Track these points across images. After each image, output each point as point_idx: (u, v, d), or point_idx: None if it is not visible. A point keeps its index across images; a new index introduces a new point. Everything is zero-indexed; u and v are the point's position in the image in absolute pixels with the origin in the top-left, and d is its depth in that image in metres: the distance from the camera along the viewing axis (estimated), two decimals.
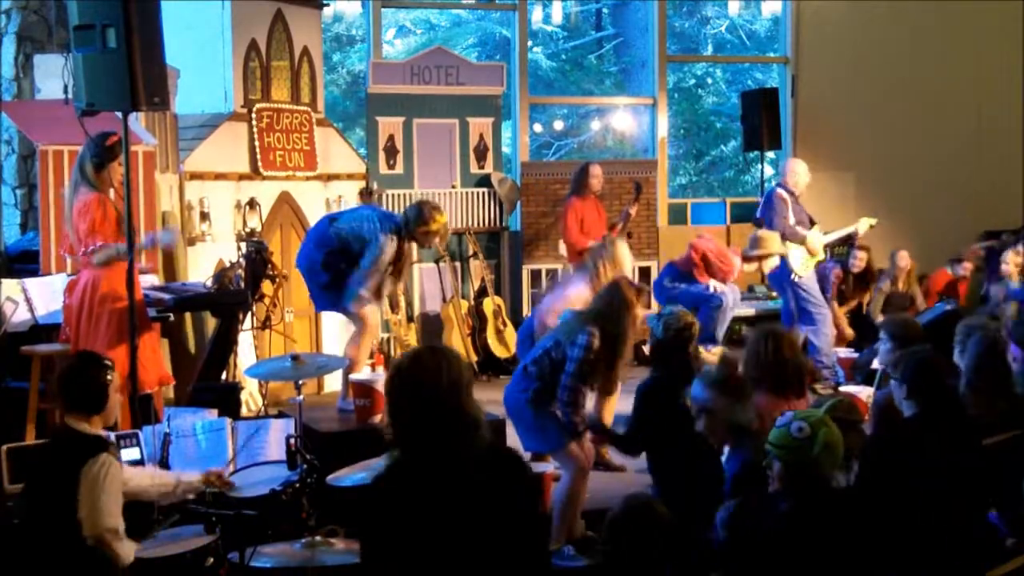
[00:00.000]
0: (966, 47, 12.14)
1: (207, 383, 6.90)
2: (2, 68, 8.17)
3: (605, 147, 14.47)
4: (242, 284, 7.31)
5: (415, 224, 6.35)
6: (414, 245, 6.80)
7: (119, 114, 5.43)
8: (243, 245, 7.70)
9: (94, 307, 5.85)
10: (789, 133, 11.82)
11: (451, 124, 10.21)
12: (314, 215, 8.17)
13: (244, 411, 7.34)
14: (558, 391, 5.19)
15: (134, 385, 5.43)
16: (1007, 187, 12.03)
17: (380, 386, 5.98)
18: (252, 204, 8.20)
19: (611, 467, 6.56)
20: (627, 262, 6.52)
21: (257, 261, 7.57)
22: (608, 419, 6.66)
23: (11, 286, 6.66)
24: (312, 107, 8.76)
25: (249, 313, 7.56)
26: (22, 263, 7.32)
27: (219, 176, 8.08)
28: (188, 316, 7.46)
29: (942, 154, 12.07)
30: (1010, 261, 9.17)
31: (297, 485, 4.38)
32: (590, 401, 6.08)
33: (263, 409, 7.62)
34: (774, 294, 9.65)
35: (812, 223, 8.52)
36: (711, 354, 7.55)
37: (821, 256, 8.60)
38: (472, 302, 9.99)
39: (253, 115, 8.24)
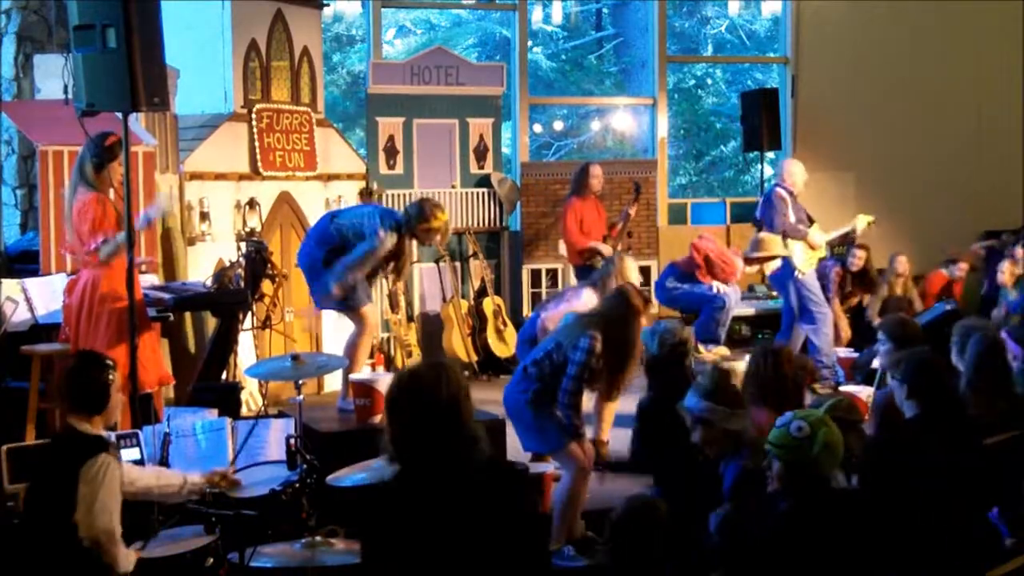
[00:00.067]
0: (966, 47, 12.14)
1: (207, 383, 6.90)
2: (2, 68, 8.17)
3: (605, 147, 14.48)
4: (242, 284, 7.32)
5: (416, 221, 6.35)
6: (414, 244, 6.80)
7: (119, 114, 5.43)
8: (243, 245, 7.70)
9: (94, 307, 5.85)
10: (789, 133, 11.82)
11: (451, 124, 10.21)
12: (314, 215, 8.17)
13: (244, 411, 7.34)
14: (559, 394, 5.19)
15: (134, 385, 5.43)
16: (1007, 187, 12.02)
17: (380, 386, 5.98)
18: (252, 204, 8.20)
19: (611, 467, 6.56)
20: (633, 277, 6.54)
21: (257, 261, 7.57)
22: (608, 420, 6.68)
23: (11, 286, 6.66)
24: (312, 107, 8.76)
25: (249, 313, 7.56)
26: (22, 263, 7.31)
27: (219, 176, 8.08)
28: (188, 316, 7.46)
29: (942, 154, 12.07)
30: (1006, 270, 9.20)
31: (297, 485, 4.38)
32: (590, 402, 6.09)
33: (263, 409, 7.62)
34: (774, 294, 9.66)
35: (811, 221, 8.53)
36: (712, 354, 7.58)
37: (823, 252, 8.60)
38: (472, 302, 9.99)
39: (253, 115, 8.24)
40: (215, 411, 5.48)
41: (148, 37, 5.27)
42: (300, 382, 4.87)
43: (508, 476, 3.22)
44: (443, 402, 3.09)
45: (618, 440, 6.71)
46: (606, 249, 8.92)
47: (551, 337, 5.48)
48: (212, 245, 7.93)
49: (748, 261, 8.11)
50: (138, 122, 7.19)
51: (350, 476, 4.29)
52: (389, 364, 9.43)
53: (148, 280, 6.84)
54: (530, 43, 12.53)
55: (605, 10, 15.12)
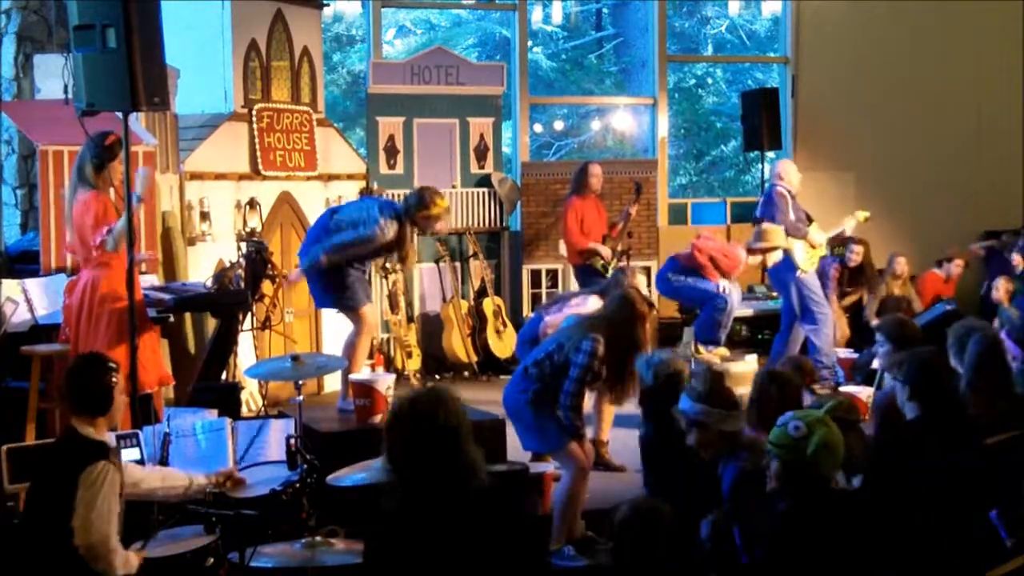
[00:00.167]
0: (966, 47, 12.14)
1: (207, 383, 6.90)
2: (2, 68, 8.17)
3: (605, 147, 14.47)
4: (242, 284, 7.31)
5: (416, 209, 6.36)
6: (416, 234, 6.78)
7: (119, 114, 5.43)
8: (243, 245, 7.70)
9: (94, 307, 5.85)
10: (789, 133, 11.82)
11: (451, 124, 10.22)
12: (314, 215, 8.15)
13: (244, 411, 7.34)
14: (560, 396, 5.18)
15: (134, 385, 5.42)
16: (1007, 187, 12.03)
17: (380, 386, 5.99)
18: (252, 204, 8.20)
19: (611, 467, 6.56)
20: (641, 289, 6.55)
21: (257, 261, 7.57)
22: (608, 420, 6.68)
23: (11, 286, 6.66)
24: (312, 107, 8.76)
25: (249, 313, 7.56)
26: (22, 263, 7.31)
27: (219, 176, 8.08)
28: (188, 316, 7.46)
29: (942, 154, 12.07)
30: (1001, 288, 9.22)
31: (297, 485, 4.38)
32: (589, 402, 6.09)
33: (263, 409, 7.62)
34: (774, 294, 9.66)
35: (810, 221, 8.53)
36: (712, 355, 7.58)
37: (823, 251, 8.61)
38: (472, 302, 9.99)
39: (253, 115, 8.24)
40: (215, 411, 5.48)
41: (148, 37, 5.26)
42: (300, 382, 4.87)
43: (506, 503, 3.23)
44: (441, 431, 3.10)
45: (618, 440, 6.71)
46: (605, 251, 8.92)
47: (552, 338, 5.47)
48: (212, 245, 7.93)
49: (751, 251, 8.10)
50: (138, 122, 7.18)
51: (350, 476, 4.29)
52: (389, 364, 9.44)
53: (148, 280, 6.84)
54: (530, 43, 12.53)
55: (605, 10, 15.12)
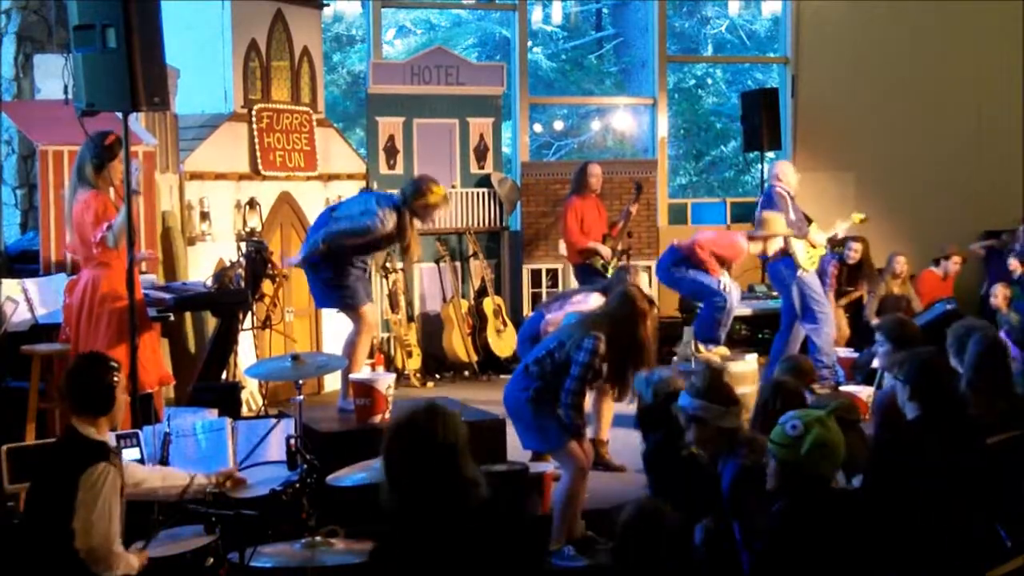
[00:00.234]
0: (966, 47, 12.14)
1: (207, 383, 6.90)
2: (2, 68, 8.17)
3: (605, 147, 14.48)
4: (242, 284, 7.31)
5: (413, 198, 6.36)
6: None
7: (119, 114, 5.43)
8: (243, 245, 7.70)
9: (94, 307, 5.85)
10: (789, 133, 11.82)
11: (451, 124, 10.22)
12: (314, 215, 8.14)
13: (244, 411, 7.34)
14: (561, 394, 5.18)
15: (134, 385, 5.42)
16: (1007, 187, 12.01)
17: (380, 386, 5.99)
18: (252, 204, 8.20)
19: (611, 467, 6.56)
20: (643, 287, 6.55)
21: (257, 261, 7.57)
22: (607, 419, 6.68)
23: (11, 286, 6.66)
24: (312, 107, 8.76)
25: (249, 313, 7.56)
26: (22, 263, 7.31)
27: (219, 176, 8.08)
28: (188, 316, 7.46)
29: (942, 154, 12.07)
30: (999, 294, 9.23)
31: (297, 485, 4.38)
32: (588, 402, 6.09)
33: (263, 409, 7.62)
34: (774, 294, 9.66)
35: (808, 221, 8.54)
36: (713, 354, 7.58)
37: (823, 250, 8.61)
38: (472, 302, 9.99)
39: (253, 115, 8.24)
40: (215, 411, 5.48)
41: (148, 37, 5.26)
42: (300, 382, 4.87)
43: (506, 519, 3.24)
44: (440, 448, 3.10)
45: (618, 440, 6.71)
46: (605, 250, 8.93)
47: (553, 335, 5.47)
48: (212, 245, 7.93)
49: (752, 239, 8.09)
50: (138, 122, 7.18)
51: (350, 476, 4.29)
52: (389, 364, 9.44)
53: (148, 280, 6.84)
54: (530, 43, 12.53)
55: (605, 10, 15.12)
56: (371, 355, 8.54)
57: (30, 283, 6.64)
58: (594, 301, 6.49)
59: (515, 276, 10.42)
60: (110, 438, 4.25)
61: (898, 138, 12.03)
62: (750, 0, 13.95)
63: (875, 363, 6.28)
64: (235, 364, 7.34)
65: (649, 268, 10.14)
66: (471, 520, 3.10)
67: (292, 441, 4.51)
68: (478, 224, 10.26)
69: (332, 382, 8.26)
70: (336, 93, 14.27)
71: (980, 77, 12.15)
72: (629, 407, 6.71)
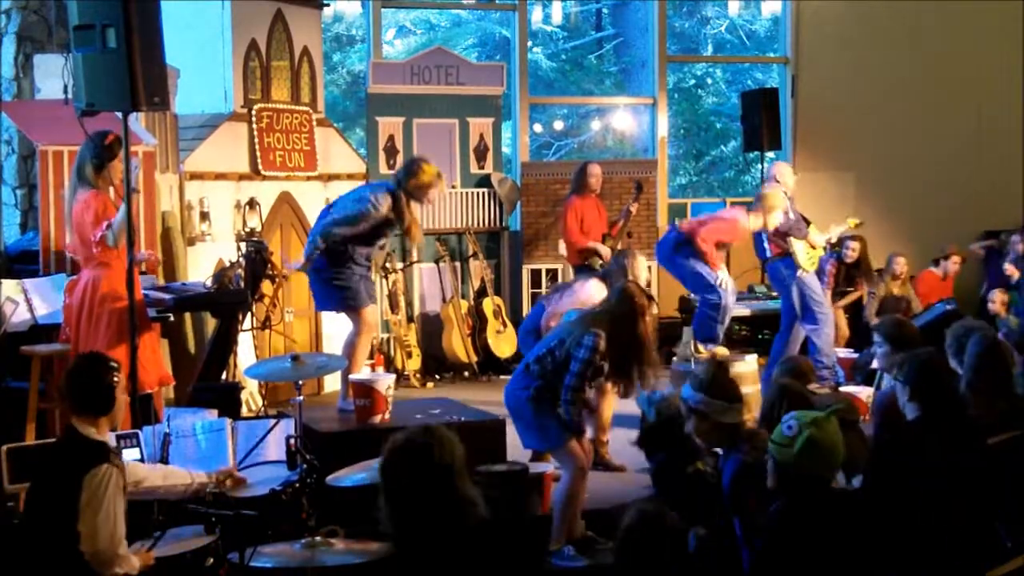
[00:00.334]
0: (966, 47, 12.14)
1: (207, 383, 6.90)
2: (2, 68, 8.17)
3: (605, 147, 14.48)
4: (242, 284, 7.31)
5: (406, 178, 6.38)
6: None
7: (119, 114, 5.43)
8: (243, 245, 7.70)
9: (94, 307, 5.85)
10: (789, 133, 11.82)
11: (451, 124, 10.22)
12: (314, 215, 8.15)
13: (244, 411, 7.34)
14: (562, 391, 5.18)
15: (134, 385, 5.42)
16: (1007, 187, 12.02)
17: (380, 386, 5.99)
18: (252, 204, 8.20)
19: (611, 467, 6.56)
20: (643, 273, 6.56)
21: (257, 261, 7.57)
22: (607, 417, 6.68)
23: (11, 286, 6.66)
24: (312, 107, 8.76)
25: (249, 313, 7.56)
26: (22, 263, 7.31)
27: (219, 176, 8.08)
28: (188, 316, 7.46)
29: (942, 154, 12.07)
30: (997, 300, 9.23)
31: (297, 485, 4.39)
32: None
33: (263, 409, 7.62)
34: (774, 294, 9.66)
35: (807, 222, 8.54)
36: (712, 353, 7.58)
37: (822, 251, 8.61)
38: (472, 302, 9.99)
39: (253, 115, 8.24)
40: (215, 411, 5.49)
41: (148, 37, 5.26)
42: (300, 382, 4.87)
43: (505, 537, 3.24)
44: (437, 469, 3.11)
45: (618, 440, 6.71)
46: (604, 250, 8.92)
47: (553, 333, 5.47)
48: (212, 245, 7.93)
49: (753, 212, 8.09)
50: (138, 122, 7.18)
51: (350, 476, 4.29)
52: (389, 364, 9.44)
53: (148, 280, 6.84)
54: (530, 43, 12.53)
55: (605, 10, 15.12)
56: (371, 356, 8.55)
57: (30, 283, 6.64)
58: (594, 288, 6.51)
59: (515, 276, 10.42)
60: (110, 438, 4.25)
61: (898, 138, 12.03)
62: (750, 0, 13.95)
63: (874, 364, 6.28)
64: (235, 364, 7.34)
65: (648, 269, 10.15)
66: (469, 540, 3.11)
67: (292, 441, 4.52)
68: (478, 224, 10.26)
69: (332, 382, 8.26)
70: (336, 93, 14.27)
71: (980, 77, 12.15)
72: (629, 407, 6.74)
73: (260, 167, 8.28)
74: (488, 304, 9.88)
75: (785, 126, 11.67)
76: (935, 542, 3.97)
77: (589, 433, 5.95)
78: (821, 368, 7.98)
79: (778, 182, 8.50)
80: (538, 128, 14.40)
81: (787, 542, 3.52)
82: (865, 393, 6.92)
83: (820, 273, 8.95)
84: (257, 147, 8.25)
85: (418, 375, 9.45)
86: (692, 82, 15.61)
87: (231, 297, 7.00)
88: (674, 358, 8.30)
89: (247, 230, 8.07)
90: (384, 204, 6.28)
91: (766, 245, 8.44)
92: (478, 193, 10.29)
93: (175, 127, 7.77)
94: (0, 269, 7.28)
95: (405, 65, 10.21)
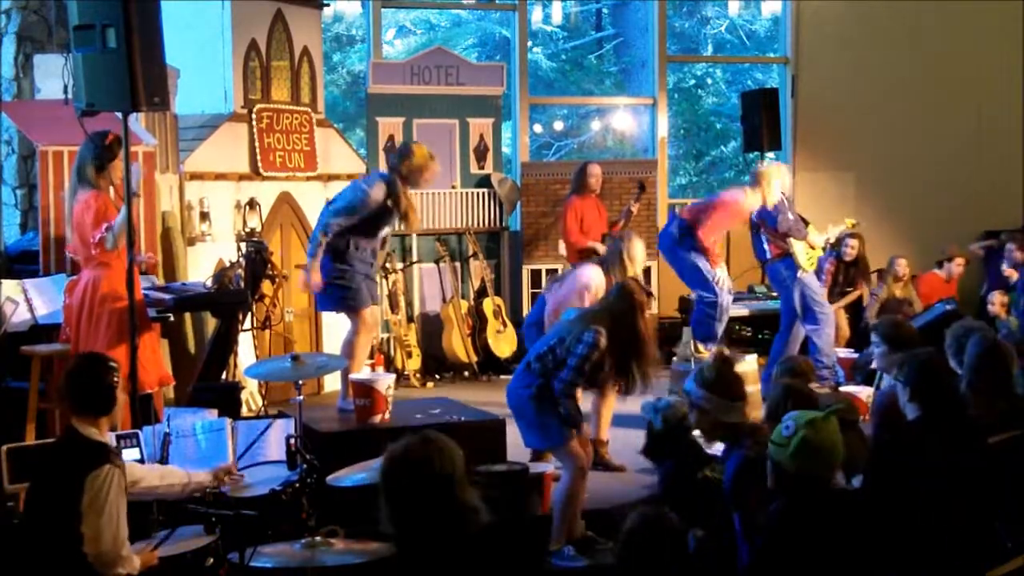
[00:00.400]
0: (966, 47, 12.14)
1: (207, 383, 6.90)
2: (2, 68, 8.17)
3: (605, 147, 14.48)
4: (242, 284, 7.31)
5: (399, 163, 6.44)
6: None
7: (119, 114, 5.43)
8: (243, 245, 7.70)
9: (94, 307, 5.85)
10: (789, 133, 11.82)
11: (451, 124, 10.22)
12: (314, 215, 8.16)
13: (244, 411, 7.34)
14: (555, 384, 5.18)
15: (134, 385, 5.42)
16: (1007, 187, 12.02)
17: (380, 386, 5.99)
18: (252, 204, 8.20)
19: (611, 467, 6.56)
20: (640, 258, 6.59)
21: (257, 261, 7.57)
22: (607, 418, 6.68)
23: (11, 286, 6.66)
24: (312, 107, 8.76)
25: (249, 313, 7.56)
26: (22, 263, 7.31)
27: (219, 176, 8.08)
28: (188, 316, 7.46)
29: (942, 154, 12.07)
30: (996, 301, 9.23)
31: (297, 485, 4.39)
32: (588, 403, 6.10)
33: (263, 409, 7.62)
34: (774, 294, 9.66)
35: (805, 222, 8.55)
36: (719, 350, 7.57)
37: (821, 251, 8.62)
38: (472, 302, 9.99)
39: (253, 115, 8.24)
40: (215, 411, 5.48)
41: (148, 37, 5.26)
42: (300, 382, 4.87)
43: (507, 542, 3.25)
44: (438, 479, 3.11)
45: (618, 440, 6.71)
46: (604, 250, 8.91)
47: (553, 331, 5.48)
48: (212, 245, 7.93)
49: (750, 188, 8.10)
50: (138, 122, 7.18)
51: (350, 476, 4.29)
52: (389, 364, 9.44)
53: (148, 280, 6.84)
54: (530, 43, 12.53)
55: (605, 10, 15.12)
56: (371, 355, 8.54)
57: (30, 283, 6.64)
58: (592, 272, 6.54)
59: (515, 276, 10.42)
60: (110, 438, 4.25)
61: (898, 138, 12.03)
62: (750, 0, 13.95)
63: (874, 364, 6.28)
64: (235, 364, 7.34)
65: (648, 269, 10.16)
66: (471, 545, 3.12)
67: (292, 441, 4.52)
68: (478, 224, 10.26)
69: (332, 382, 8.26)
70: (336, 93, 14.27)
71: (980, 77, 12.15)
72: (629, 407, 6.74)
73: (260, 167, 8.28)
74: (488, 304, 9.88)
75: (785, 126, 11.67)
76: (935, 542, 3.97)
77: (589, 433, 5.95)
78: (821, 368, 7.98)
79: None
80: (538, 128, 14.40)
81: (785, 542, 3.52)
82: (865, 393, 6.92)
83: (818, 272, 8.96)
84: (257, 147, 8.25)
85: (418, 375, 9.45)
86: (692, 82, 15.61)
87: (231, 297, 7.00)
88: (674, 358, 8.31)
89: (247, 230, 8.07)
90: (379, 191, 6.33)
91: (766, 247, 8.45)
92: (478, 193, 10.29)
93: (175, 127, 7.76)
94: (0, 269, 7.27)
95: (405, 65, 10.21)
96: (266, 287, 7.71)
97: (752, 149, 11.45)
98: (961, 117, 12.15)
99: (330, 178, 8.90)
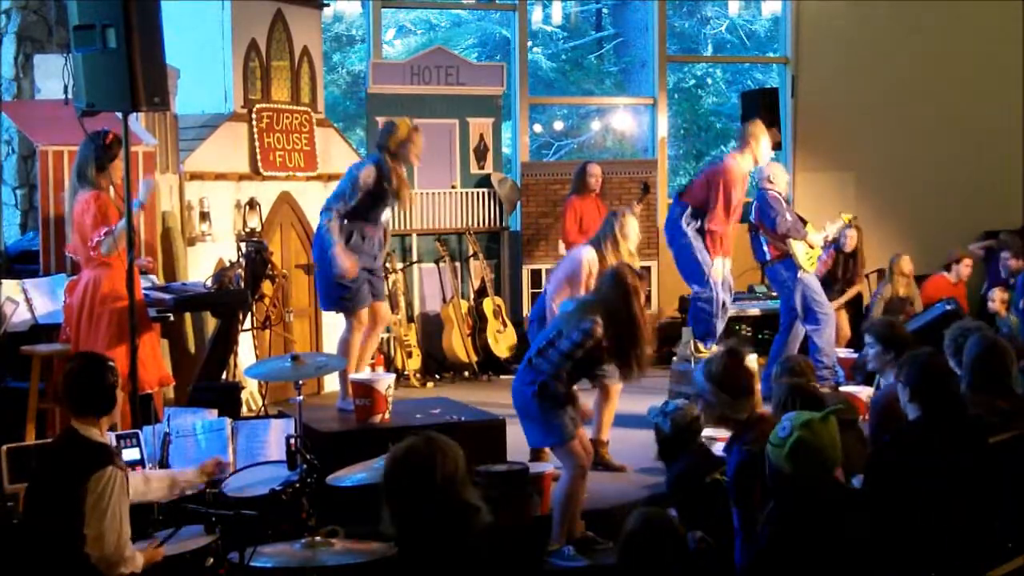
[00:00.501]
0: (966, 47, 12.14)
1: (207, 383, 6.90)
2: (2, 68, 8.17)
3: (605, 147, 14.48)
4: (242, 284, 7.31)
5: (386, 141, 6.59)
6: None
7: (119, 114, 5.43)
8: (243, 245, 7.70)
9: (94, 307, 5.85)
10: (789, 133, 11.81)
11: (451, 124, 10.22)
12: (314, 215, 8.16)
13: (244, 411, 7.34)
14: (544, 364, 5.16)
15: (134, 385, 5.43)
16: (1007, 187, 12.03)
17: (380, 386, 6.00)
18: (252, 204, 8.20)
19: (611, 467, 6.56)
20: (634, 235, 6.61)
21: (257, 261, 7.56)
22: (607, 418, 6.67)
23: (11, 286, 6.66)
24: (312, 107, 8.76)
25: (249, 313, 7.56)
26: (22, 263, 7.31)
27: (219, 176, 8.07)
28: (188, 316, 7.46)
29: (942, 154, 12.07)
30: (996, 299, 9.22)
31: (297, 485, 4.39)
32: (590, 402, 6.09)
33: (263, 409, 7.62)
34: (774, 294, 9.67)
35: (804, 222, 8.55)
36: (711, 352, 7.57)
37: (820, 251, 8.62)
38: (472, 302, 9.99)
39: (253, 115, 8.24)
40: (215, 411, 5.49)
41: (148, 37, 5.26)
42: (300, 382, 4.87)
43: (508, 543, 3.26)
44: (440, 480, 3.11)
45: (618, 440, 6.71)
46: None
47: (551, 325, 5.48)
48: (212, 245, 7.93)
49: (739, 152, 8.13)
50: (138, 122, 7.18)
51: (350, 476, 4.29)
52: (389, 364, 9.44)
53: (148, 280, 6.85)
54: (530, 43, 12.53)
55: (605, 10, 15.13)
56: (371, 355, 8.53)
57: (30, 283, 6.64)
58: (585, 251, 6.56)
59: (515, 276, 10.42)
60: (110, 438, 4.25)
61: (898, 138, 12.03)
62: (750, 0, 13.95)
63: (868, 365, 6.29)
64: (235, 364, 7.34)
65: (648, 269, 10.16)
66: (473, 545, 3.13)
67: (292, 441, 4.52)
68: (478, 224, 10.26)
69: (332, 382, 8.26)
70: (336, 93, 14.27)
71: (980, 77, 12.15)
72: (629, 407, 6.74)
73: (260, 167, 8.28)
74: (488, 304, 9.88)
75: (785, 126, 11.67)
76: (935, 542, 3.97)
77: (589, 433, 5.95)
78: (821, 368, 7.98)
79: (771, 183, 8.50)
80: (538, 128, 14.40)
81: (783, 543, 3.52)
82: (865, 393, 6.92)
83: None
84: (257, 147, 8.24)
85: (418, 375, 9.45)
86: (692, 82, 15.61)
87: (231, 297, 7.00)
88: (674, 358, 8.31)
89: (247, 230, 8.07)
90: (370, 173, 6.46)
91: (765, 248, 8.45)
92: (478, 193, 10.29)
93: (175, 127, 7.76)
94: (0, 269, 7.28)
95: (405, 65, 10.20)
96: (266, 287, 7.70)
97: None
98: (961, 117, 12.15)
99: (330, 178, 8.89)
